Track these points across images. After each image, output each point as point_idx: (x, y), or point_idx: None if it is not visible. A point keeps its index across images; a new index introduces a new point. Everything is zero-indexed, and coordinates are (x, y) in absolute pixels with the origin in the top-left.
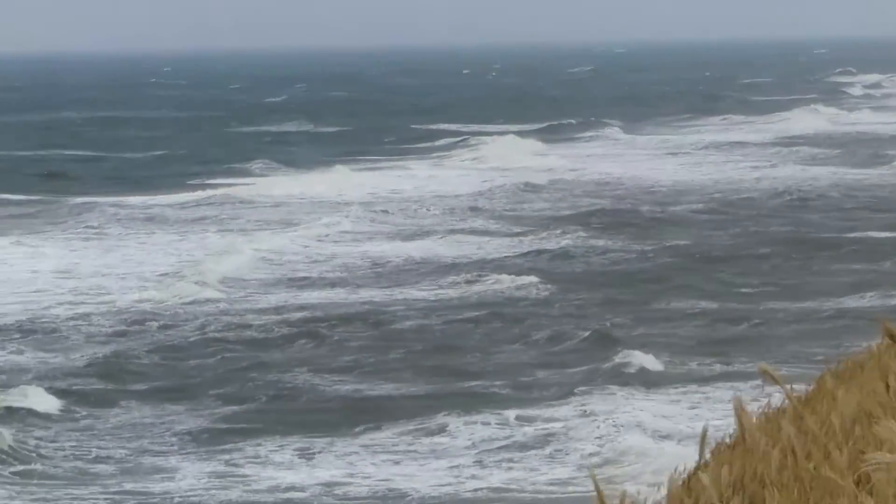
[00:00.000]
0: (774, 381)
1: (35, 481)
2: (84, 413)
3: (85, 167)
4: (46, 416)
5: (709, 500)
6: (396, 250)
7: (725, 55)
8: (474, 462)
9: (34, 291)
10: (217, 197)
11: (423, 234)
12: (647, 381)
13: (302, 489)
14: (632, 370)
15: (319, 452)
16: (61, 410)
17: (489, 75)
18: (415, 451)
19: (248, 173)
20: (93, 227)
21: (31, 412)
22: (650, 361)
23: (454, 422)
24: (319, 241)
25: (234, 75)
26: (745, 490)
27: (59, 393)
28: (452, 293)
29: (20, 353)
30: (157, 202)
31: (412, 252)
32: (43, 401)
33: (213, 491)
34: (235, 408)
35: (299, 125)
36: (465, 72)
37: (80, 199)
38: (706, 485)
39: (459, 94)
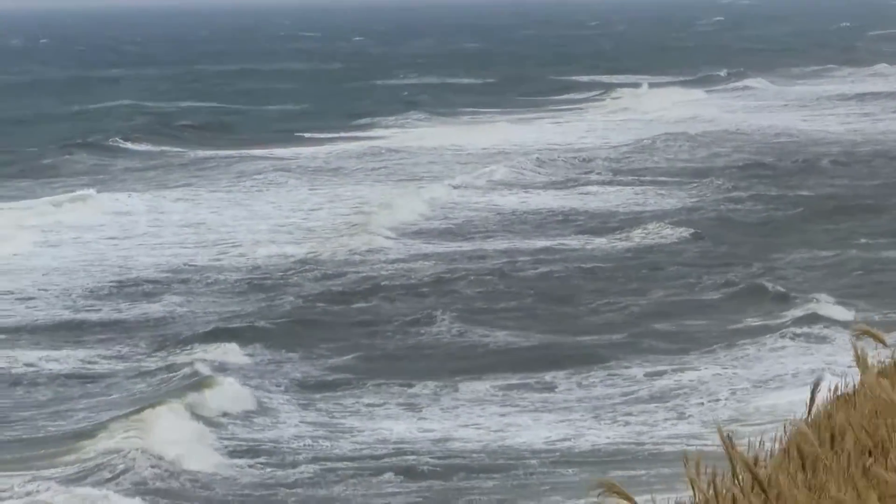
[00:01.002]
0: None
1: None
2: (268, 358)
3: (233, 119)
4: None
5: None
6: (550, 201)
7: (852, 7)
8: (610, 412)
9: (197, 244)
10: (370, 148)
11: (576, 184)
12: (816, 335)
13: (412, 441)
14: (800, 321)
15: (427, 406)
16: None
17: (618, 27)
18: (528, 403)
19: (397, 125)
20: (249, 180)
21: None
22: (835, 311)
23: (598, 373)
24: (475, 190)
25: (355, 28)
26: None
27: (252, 349)
28: (606, 243)
29: (187, 304)
30: (311, 153)
31: (567, 202)
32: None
33: (322, 442)
34: (352, 357)
35: (440, 77)
36: (592, 24)
37: (233, 152)
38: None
39: (595, 45)
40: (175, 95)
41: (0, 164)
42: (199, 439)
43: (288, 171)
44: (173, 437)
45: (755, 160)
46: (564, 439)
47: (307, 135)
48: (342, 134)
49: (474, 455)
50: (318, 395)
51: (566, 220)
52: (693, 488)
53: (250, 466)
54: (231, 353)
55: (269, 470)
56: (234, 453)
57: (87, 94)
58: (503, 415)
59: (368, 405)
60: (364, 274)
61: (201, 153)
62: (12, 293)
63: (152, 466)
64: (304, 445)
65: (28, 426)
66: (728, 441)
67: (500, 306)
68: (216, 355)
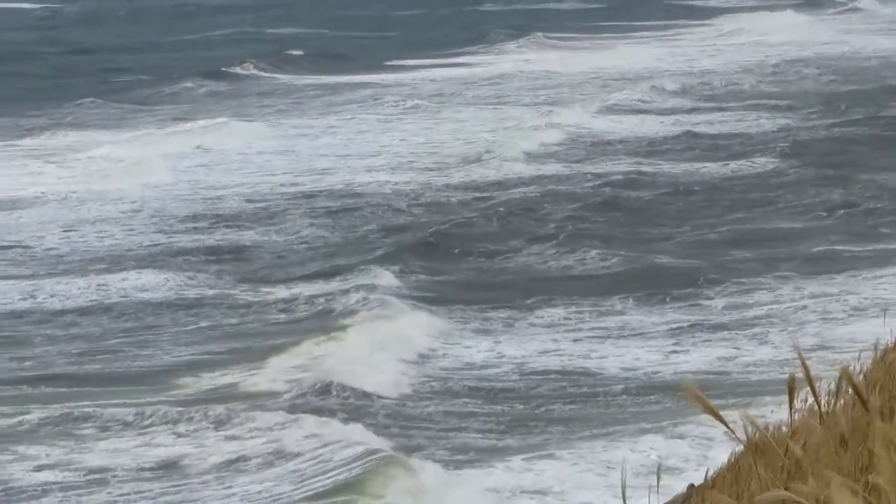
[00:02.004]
0: None
1: None
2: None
3: (348, 46)
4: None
5: None
6: (663, 125)
7: None
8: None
9: (322, 170)
10: (485, 73)
11: (691, 108)
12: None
13: (496, 366)
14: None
15: (503, 332)
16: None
17: None
18: (610, 329)
19: (512, 50)
20: (369, 107)
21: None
22: None
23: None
24: (593, 114)
25: None
26: None
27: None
28: (716, 168)
29: (321, 230)
30: (431, 77)
31: (682, 126)
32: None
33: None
34: (449, 279)
35: (554, 2)
36: None
37: (349, 79)
38: None
39: None
40: (287, 23)
41: (122, 92)
42: (377, 361)
43: (409, 98)
44: (358, 356)
45: (875, 86)
46: (646, 365)
47: (424, 61)
48: (459, 60)
49: (555, 380)
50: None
51: (681, 144)
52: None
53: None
54: (381, 277)
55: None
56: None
57: (195, 21)
58: (582, 340)
59: (451, 327)
60: (475, 198)
61: (317, 80)
62: (155, 216)
63: (343, 390)
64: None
65: (225, 346)
66: (806, 367)
67: (594, 230)
68: (370, 279)
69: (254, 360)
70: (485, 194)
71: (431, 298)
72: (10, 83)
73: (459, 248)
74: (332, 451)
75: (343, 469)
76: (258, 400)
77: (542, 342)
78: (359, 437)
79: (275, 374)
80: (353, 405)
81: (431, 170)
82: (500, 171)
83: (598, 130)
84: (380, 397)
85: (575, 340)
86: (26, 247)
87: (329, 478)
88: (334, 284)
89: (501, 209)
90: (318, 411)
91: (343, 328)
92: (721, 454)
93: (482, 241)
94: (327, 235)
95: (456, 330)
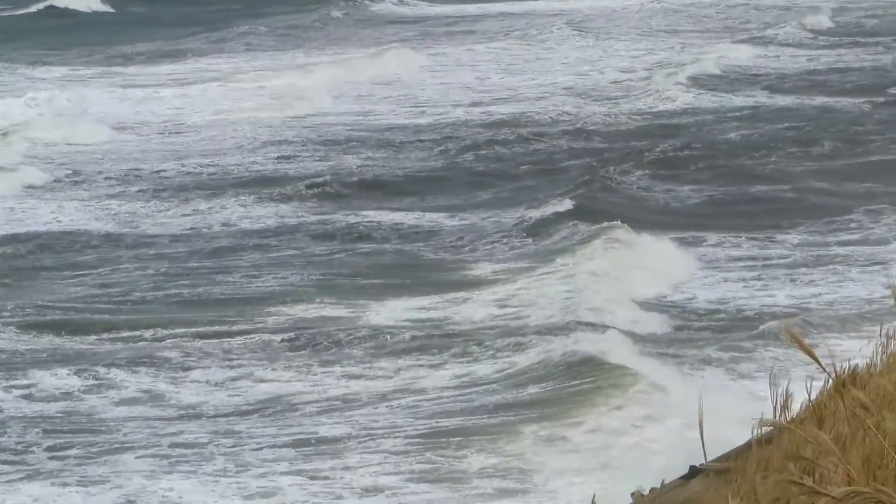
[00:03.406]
0: None
1: None
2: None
3: None
4: None
5: None
6: (824, 58)
7: None
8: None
9: (494, 99)
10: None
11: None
12: None
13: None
14: None
15: None
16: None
17: None
18: (692, 262)
19: None
20: (532, 35)
21: None
22: None
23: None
24: (750, 47)
25: None
26: None
27: None
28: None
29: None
30: (592, 7)
31: (839, 60)
32: None
33: None
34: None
35: None
36: None
37: (508, 7)
38: None
39: None
40: None
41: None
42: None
43: (571, 26)
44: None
45: None
46: (729, 300)
47: None
48: None
49: None
50: None
51: (834, 78)
52: None
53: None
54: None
55: None
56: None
57: None
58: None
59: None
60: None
61: (470, 8)
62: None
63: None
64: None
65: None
66: None
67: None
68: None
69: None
70: (657, 122)
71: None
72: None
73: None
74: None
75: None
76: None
77: None
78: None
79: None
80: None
81: (598, 98)
82: (664, 100)
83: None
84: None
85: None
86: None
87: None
88: (533, 212)
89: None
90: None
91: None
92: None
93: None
94: (509, 164)
95: None
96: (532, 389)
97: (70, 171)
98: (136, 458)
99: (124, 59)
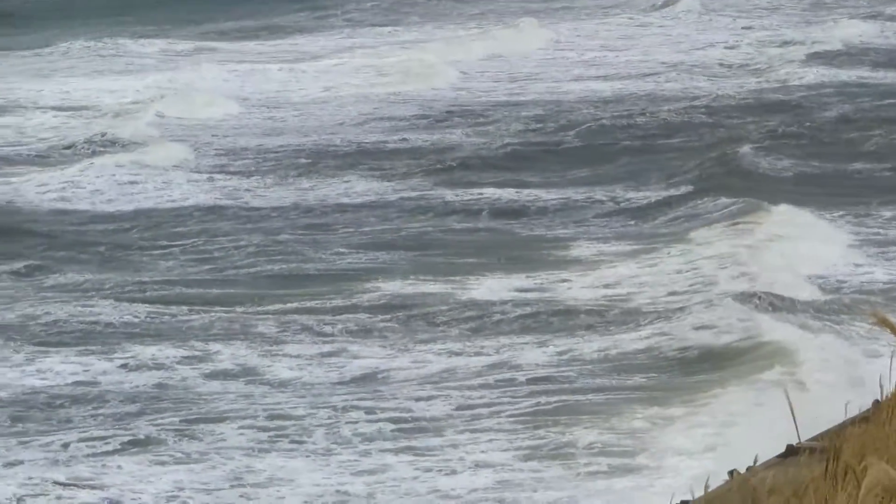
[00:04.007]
0: None
1: None
2: None
3: None
4: None
5: None
6: None
7: None
8: None
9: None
10: None
11: None
12: None
13: None
14: None
15: None
16: None
17: None
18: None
19: None
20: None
21: None
22: None
23: None
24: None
25: None
26: None
27: None
28: None
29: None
30: None
31: None
32: None
33: None
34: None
35: None
36: None
37: None
38: None
39: None
40: None
41: None
42: None
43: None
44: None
45: None
46: (833, 275)
47: None
48: None
49: None
50: None
51: None
52: None
53: None
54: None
55: None
56: None
57: None
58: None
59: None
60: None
61: None
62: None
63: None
64: None
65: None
66: None
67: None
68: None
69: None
70: (770, 97)
71: None
72: None
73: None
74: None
75: None
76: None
77: None
78: None
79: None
80: None
81: (707, 74)
82: (779, 76)
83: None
84: None
85: None
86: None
87: None
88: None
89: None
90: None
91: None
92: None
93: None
94: (617, 140)
95: None
96: (643, 369)
97: (181, 146)
98: (237, 433)
99: (220, 34)
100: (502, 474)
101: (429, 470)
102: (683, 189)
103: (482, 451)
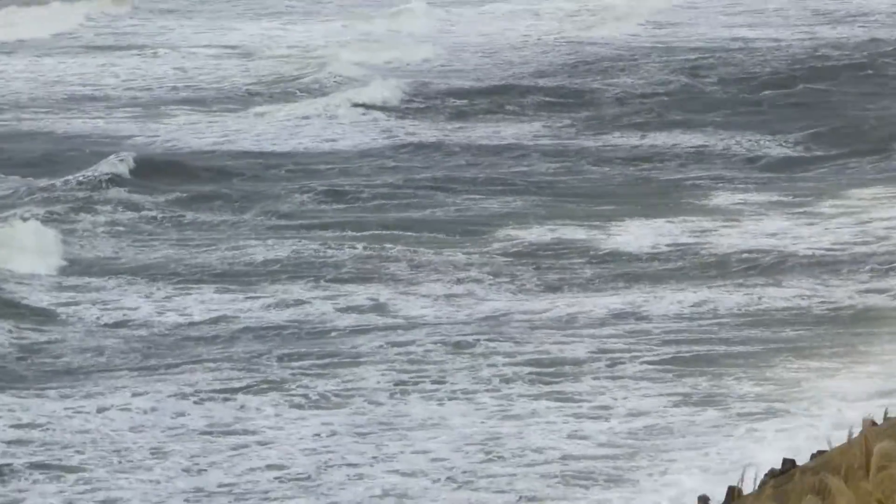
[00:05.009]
0: None
1: None
2: None
3: None
4: None
5: None
6: None
7: None
8: None
9: None
10: None
11: None
12: None
13: None
14: None
15: None
16: None
17: None
18: None
19: None
20: None
21: None
22: None
23: None
24: None
25: None
26: None
27: None
28: None
29: None
30: None
31: None
32: None
33: None
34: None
35: None
36: None
37: None
38: None
39: None
40: None
41: None
42: None
43: None
44: None
45: None
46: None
47: None
48: None
49: None
50: None
51: None
52: None
53: None
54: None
55: None
56: None
57: None
58: None
59: None
60: None
61: None
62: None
63: None
64: None
65: None
66: None
67: None
68: None
69: None
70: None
71: None
72: None
73: None
74: None
75: None
76: None
77: None
78: None
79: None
80: None
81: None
82: None
83: None
84: None
85: None
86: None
87: None
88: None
89: None
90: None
91: None
92: None
93: None
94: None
95: None
96: (791, 323)
97: (357, 90)
98: (378, 375)
99: None
100: (655, 419)
101: (579, 417)
102: (839, 147)
103: (624, 398)
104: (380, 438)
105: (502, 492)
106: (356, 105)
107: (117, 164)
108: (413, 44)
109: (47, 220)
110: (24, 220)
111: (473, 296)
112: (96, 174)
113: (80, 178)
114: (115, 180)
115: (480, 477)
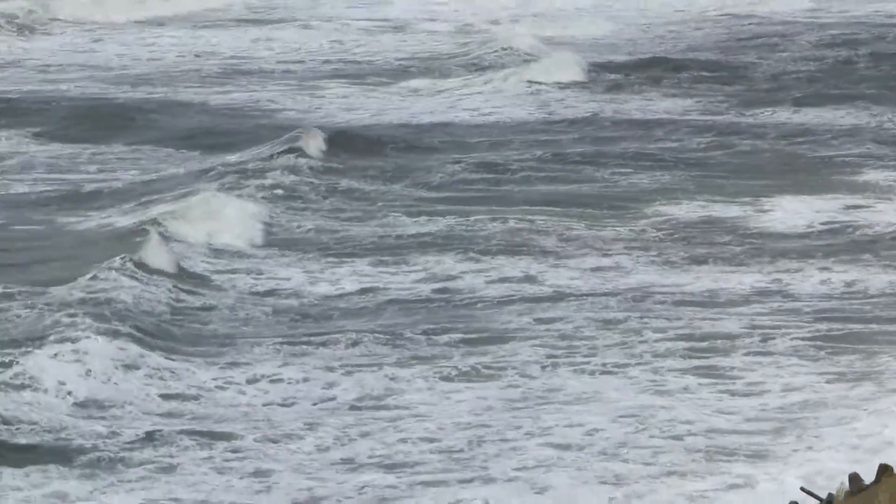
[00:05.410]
0: None
1: None
2: None
3: None
4: None
5: None
6: None
7: None
8: None
9: None
10: None
11: None
12: None
13: None
14: None
15: None
16: None
17: None
18: None
19: None
20: None
21: None
22: None
23: None
24: None
25: None
26: None
27: None
28: None
29: None
30: None
31: None
32: None
33: None
34: None
35: None
36: None
37: None
38: None
39: None
40: None
41: None
42: None
43: None
44: None
45: None
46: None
47: None
48: None
49: None
50: None
51: None
52: None
53: None
54: None
55: None
56: None
57: None
58: None
59: None
60: None
61: None
62: None
63: None
64: None
65: None
66: None
67: None
68: None
69: None
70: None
71: None
72: None
73: None
74: None
75: None
76: None
77: None
78: None
79: None
80: None
81: None
82: None
83: None
84: None
85: None
86: None
87: None
88: None
89: None
90: None
91: None
92: None
93: None
94: None
95: None
96: None
97: (538, 66)
98: (528, 349)
99: None
100: (807, 395)
101: (732, 394)
102: None
103: (791, 374)
104: (535, 412)
105: (648, 464)
106: (522, 81)
107: (300, 138)
108: (579, 19)
109: (233, 192)
110: (208, 193)
111: (620, 269)
112: (278, 149)
113: (261, 153)
114: (294, 153)
115: (631, 448)
